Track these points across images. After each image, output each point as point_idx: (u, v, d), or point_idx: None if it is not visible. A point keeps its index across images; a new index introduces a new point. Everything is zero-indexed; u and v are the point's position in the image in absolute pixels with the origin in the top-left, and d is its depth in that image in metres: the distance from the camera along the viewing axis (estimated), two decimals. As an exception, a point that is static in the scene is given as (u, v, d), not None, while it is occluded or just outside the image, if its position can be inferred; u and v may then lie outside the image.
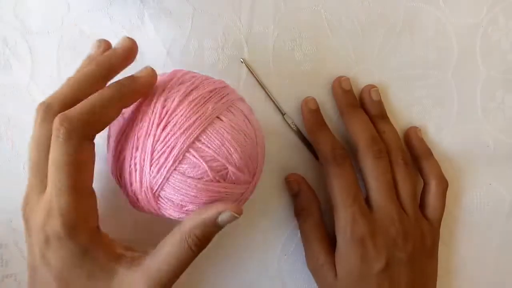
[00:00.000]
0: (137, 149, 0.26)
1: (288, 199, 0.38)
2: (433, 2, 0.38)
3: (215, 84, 0.29)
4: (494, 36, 0.39)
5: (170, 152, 0.26)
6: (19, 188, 0.36)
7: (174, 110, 0.27)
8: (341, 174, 0.34)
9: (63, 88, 0.27)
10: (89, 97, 0.26)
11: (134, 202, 0.28)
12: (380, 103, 0.37)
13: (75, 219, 0.25)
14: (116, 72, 0.29)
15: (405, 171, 0.36)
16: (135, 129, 0.27)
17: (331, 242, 0.36)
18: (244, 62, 0.37)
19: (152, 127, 0.26)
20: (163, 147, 0.26)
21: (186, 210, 0.28)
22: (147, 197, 0.27)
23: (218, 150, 0.27)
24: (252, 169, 0.29)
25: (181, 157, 0.26)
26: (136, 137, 0.27)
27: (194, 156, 0.26)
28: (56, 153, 0.25)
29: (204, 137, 0.27)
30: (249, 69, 0.37)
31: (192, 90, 0.28)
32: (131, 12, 0.36)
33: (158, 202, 0.28)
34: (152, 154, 0.26)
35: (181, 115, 0.26)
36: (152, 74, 0.28)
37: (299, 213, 0.37)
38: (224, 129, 0.27)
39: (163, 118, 0.26)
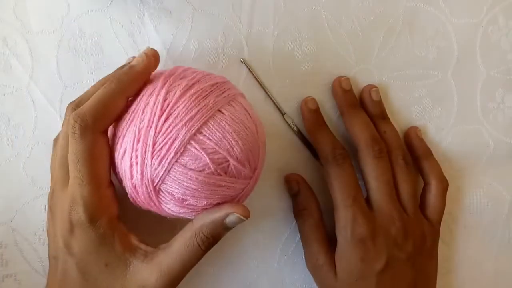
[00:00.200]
0: (138, 141, 0.27)
1: (288, 199, 0.38)
2: (433, 2, 0.38)
3: (217, 79, 0.29)
4: (494, 36, 0.39)
5: (172, 144, 0.26)
6: (19, 188, 0.36)
7: (176, 103, 0.27)
8: (341, 174, 0.34)
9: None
10: (95, 94, 0.28)
11: (134, 196, 0.28)
12: (380, 103, 0.37)
13: (96, 207, 0.28)
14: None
15: (406, 171, 0.36)
16: (137, 121, 0.27)
17: (330, 242, 0.36)
18: (244, 62, 0.37)
19: (154, 118, 0.27)
20: (164, 139, 0.26)
21: (187, 204, 0.28)
22: (147, 190, 0.27)
23: (220, 142, 0.27)
24: (253, 163, 0.29)
25: (182, 149, 0.26)
26: (137, 129, 0.27)
27: (196, 148, 0.26)
28: (74, 148, 0.27)
29: (206, 129, 0.27)
30: (249, 69, 0.37)
31: (193, 84, 0.28)
32: (131, 12, 0.36)
33: (159, 196, 0.28)
34: (153, 146, 0.26)
35: (183, 107, 0.27)
36: (146, 58, 0.29)
37: (298, 213, 0.37)
38: (226, 122, 0.27)
39: (165, 110, 0.27)
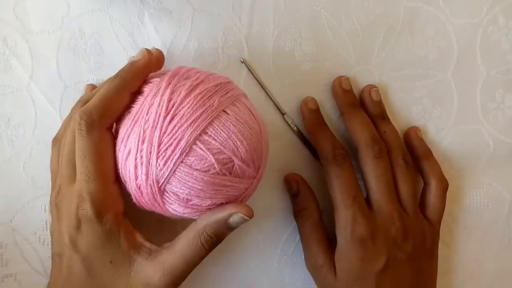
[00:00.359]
0: (143, 141, 0.27)
1: (288, 199, 0.38)
2: (433, 2, 0.38)
3: (220, 79, 0.29)
4: (494, 36, 0.39)
5: (177, 144, 0.26)
6: (19, 188, 0.36)
7: (181, 103, 0.27)
8: (341, 174, 0.35)
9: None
10: (99, 91, 0.28)
11: (138, 197, 0.28)
12: (380, 103, 0.37)
13: (103, 202, 0.28)
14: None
15: (406, 171, 0.36)
16: (141, 122, 0.27)
17: (330, 243, 0.36)
18: (244, 62, 0.37)
19: (159, 119, 0.27)
20: (170, 139, 0.26)
21: (191, 205, 0.28)
22: (152, 190, 0.27)
23: (225, 142, 0.27)
24: (257, 163, 0.29)
25: (188, 149, 0.26)
26: (142, 129, 0.27)
27: (201, 149, 0.27)
28: (80, 144, 0.28)
29: (211, 129, 0.27)
30: (249, 69, 0.37)
31: (198, 84, 0.28)
32: (131, 12, 0.36)
33: (164, 196, 0.28)
34: (159, 147, 0.26)
35: (188, 108, 0.27)
36: (148, 54, 0.30)
37: (298, 213, 0.37)
38: (230, 122, 0.28)
39: (170, 110, 0.27)
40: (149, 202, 0.28)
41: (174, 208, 0.28)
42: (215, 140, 0.27)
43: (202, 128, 0.27)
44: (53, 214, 0.31)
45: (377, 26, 0.38)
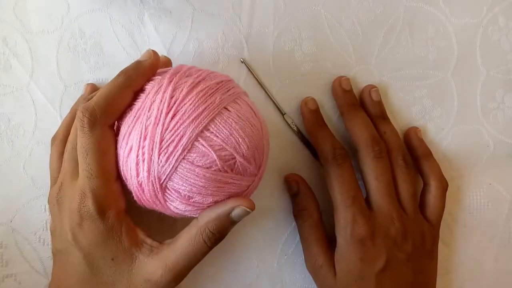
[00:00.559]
0: (145, 138, 0.27)
1: (288, 199, 0.38)
2: (433, 2, 0.38)
3: (221, 77, 0.30)
4: (494, 36, 0.39)
5: (179, 141, 0.26)
6: (19, 188, 0.37)
7: (183, 100, 0.27)
8: (341, 174, 0.35)
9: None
10: (102, 88, 0.28)
11: (139, 195, 0.29)
12: (380, 103, 0.38)
13: (105, 199, 0.28)
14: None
15: (406, 172, 0.36)
16: (143, 119, 0.27)
17: (330, 243, 0.36)
18: (244, 62, 0.37)
19: (160, 116, 0.27)
20: (172, 136, 0.26)
21: (193, 202, 0.28)
22: (154, 188, 0.27)
23: (227, 139, 0.27)
24: (258, 160, 0.29)
25: (190, 146, 0.27)
26: (144, 126, 0.27)
27: (203, 145, 0.27)
28: (82, 141, 0.28)
29: (213, 126, 0.27)
30: (249, 69, 0.37)
31: (199, 81, 0.28)
32: (131, 12, 0.37)
33: (165, 193, 0.28)
34: (160, 143, 0.26)
35: (190, 104, 0.27)
36: (154, 55, 0.30)
37: (298, 213, 0.37)
38: (232, 119, 0.28)
39: (172, 107, 0.27)
40: (150, 200, 0.28)
41: (176, 205, 0.28)
42: (217, 136, 0.27)
43: (204, 124, 0.27)
44: (54, 211, 0.31)
45: (377, 26, 0.38)
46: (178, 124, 0.27)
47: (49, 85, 0.37)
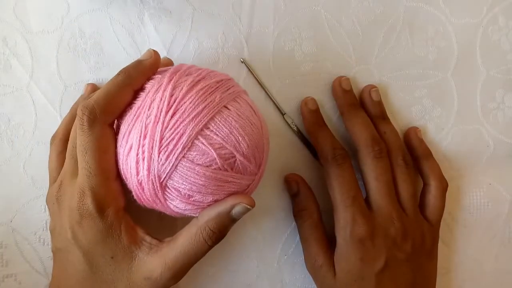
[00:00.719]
0: (145, 137, 0.27)
1: (288, 199, 0.38)
2: (433, 2, 0.39)
3: (221, 76, 0.30)
4: (494, 36, 0.39)
5: (179, 139, 0.27)
6: (19, 188, 0.37)
7: (183, 98, 0.27)
8: (341, 174, 0.35)
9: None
10: (103, 86, 0.28)
11: (139, 194, 0.29)
12: (380, 104, 0.38)
13: (104, 197, 0.28)
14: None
15: (405, 172, 0.36)
16: (143, 117, 0.27)
17: (329, 243, 0.36)
18: (244, 62, 0.37)
19: (160, 114, 0.27)
20: (172, 134, 0.27)
21: (193, 201, 0.28)
22: (154, 186, 0.27)
23: (227, 138, 0.27)
24: (258, 159, 0.29)
25: (190, 144, 0.27)
26: (144, 125, 0.27)
27: (203, 144, 0.27)
28: (82, 139, 0.28)
29: (213, 124, 0.27)
30: (249, 69, 0.37)
31: (199, 80, 0.29)
32: (131, 12, 0.37)
33: (165, 192, 0.28)
34: (160, 142, 0.27)
35: (190, 103, 0.27)
36: (154, 54, 0.30)
37: (298, 213, 0.37)
38: (232, 118, 0.28)
39: (172, 105, 0.27)
40: (150, 199, 0.28)
41: (176, 204, 0.28)
42: (217, 135, 0.27)
43: (204, 123, 0.27)
44: (53, 210, 0.31)
45: (377, 26, 0.38)
46: (178, 122, 0.27)
47: (49, 85, 0.37)
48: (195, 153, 0.27)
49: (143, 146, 0.27)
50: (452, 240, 0.40)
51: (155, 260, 0.29)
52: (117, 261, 0.29)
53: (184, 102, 0.27)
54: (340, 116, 0.38)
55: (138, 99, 0.29)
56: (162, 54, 0.37)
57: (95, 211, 0.28)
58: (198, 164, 0.27)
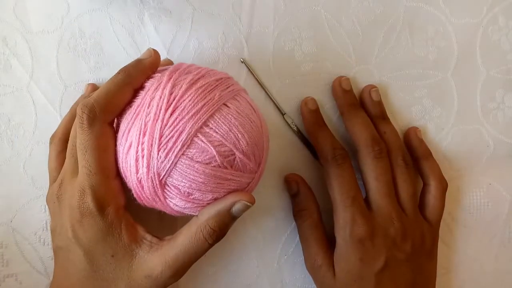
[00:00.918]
0: (144, 134, 0.27)
1: (288, 199, 0.39)
2: (433, 2, 0.39)
3: (221, 74, 0.30)
4: (494, 36, 0.39)
5: (179, 136, 0.27)
6: (19, 188, 0.37)
7: (182, 96, 0.28)
8: (341, 175, 0.35)
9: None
10: (102, 85, 0.29)
11: (139, 192, 0.29)
12: (380, 104, 0.38)
13: (104, 196, 0.29)
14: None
15: (405, 172, 0.37)
16: (143, 115, 0.28)
17: (329, 243, 0.36)
18: (244, 62, 0.37)
19: (160, 112, 0.27)
20: (171, 132, 0.27)
21: (193, 199, 0.28)
22: (153, 184, 0.28)
23: (226, 135, 0.28)
24: (258, 157, 0.30)
25: (189, 141, 0.27)
26: (143, 122, 0.27)
27: (202, 141, 0.27)
28: (81, 138, 0.28)
29: (212, 122, 0.28)
30: (249, 69, 0.37)
31: (199, 78, 0.29)
32: (131, 12, 0.37)
33: (165, 190, 0.28)
34: (160, 139, 0.27)
35: (189, 101, 0.27)
36: (154, 53, 0.30)
37: (298, 213, 0.37)
38: (232, 116, 0.28)
39: (171, 103, 0.27)
40: (150, 197, 0.29)
41: (175, 202, 0.29)
42: (216, 132, 0.27)
43: (203, 120, 0.27)
44: (54, 208, 0.31)
45: (377, 26, 0.39)
46: (178, 120, 0.27)
47: (49, 85, 0.37)
48: (194, 150, 0.27)
49: (142, 143, 0.27)
50: (452, 240, 0.40)
51: (155, 258, 0.29)
52: (118, 259, 0.29)
53: (184, 100, 0.27)
54: (340, 116, 0.39)
55: (137, 97, 0.29)
56: (162, 54, 0.37)
57: (95, 209, 0.28)
58: (197, 161, 0.27)
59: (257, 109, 0.31)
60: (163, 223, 0.35)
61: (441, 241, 0.39)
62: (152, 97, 0.28)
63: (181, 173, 0.27)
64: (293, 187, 0.37)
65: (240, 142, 0.28)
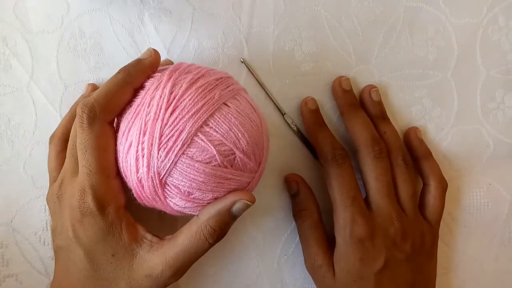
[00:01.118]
0: (144, 134, 0.27)
1: (288, 199, 0.39)
2: (433, 2, 0.39)
3: (221, 74, 0.30)
4: (494, 36, 0.40)
5: (179, 136, 0.27)
6: (19, 188, 0.37)
7: (182, 95, 0.28)
8: (341, 175, 0.35)
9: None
10: (102, 85, 0.29)
11: (139, 191, 0.29)
12: (380, 104, 0.38)
13: (105, 195, 0.29)
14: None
15: (405, 172, 0.37)
16: (143, 115, 0.28)
17: (329, 243, 0.37)
18: (244, 62, 0.38)
19: (160, 111, 0.27)
20: (171, 131, 0.27)
21: (193, 198, 0.29)
22: (153, 183, 0.28)
23: (226, 134, 0.28)
24: (258, 156, 0.30)
25: (189, 141, 0.27)
26: (143, 122, 0.28)
27: (203, 140, 0.27)
28: (81, 138, 0.28)
29: (212, 121, 0.28)
30: (249, 69, 0.38)
31: (199, 78, 0.29)
32: (131, 12, 0.37)
33: (165, 189, 0.28)
34: (160, 138, 0.27)
35: (189, 100, 0.28)
36: (154, 53, 0.31)
37: (297, 213, 0.38)
38: (232, 115, 0.28)
39: (171, 102, 0.28)
40: (150, 196, 0.29)
41: (175, 202, 0.29)
42: (217, 131, 0.28)
43: (203, 119, 0.27)
44: (54, 208, 0.31)
45: (377, 26, 0.39)
46: (178, 119, 0.27)
47: (49, 85, 0.37)
48: (194, 149, 0.27)
49: (142, 143, 0.27)
50: (452, 240, 0.41)
51: (156, 257, 0.29)
52: (118, 259, 0.29)
53: (184, 99, 0.28)
54: (340, 116, 0.39)
55: (137, 97, 0.29)
56: (162, 54, 0.37)
57: (95, 209, 0.28)
58: (197, 160, 0.27)
59: (257, 108, 0.31)
60: (163, 223, 0.35)
61: (441, 241, 0.39)
62: (152, 96, 0.28)
63: (181, 172, 0.27)
64: (293, 187, 0.38)
65: (240, 141, 0.28)
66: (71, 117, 0.34)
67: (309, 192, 0.38)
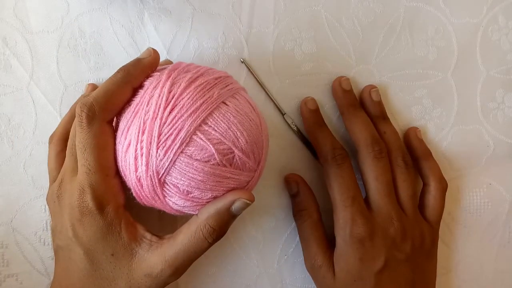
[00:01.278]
0: (143, 132, 0.27)
1: (288, 199, 0.39)
2: (433, 2, 0.39)
3: (220, 73, 0.31)
4: (494, 36, 0.40)
5: (177, 134, 0.27)
6: (19, 188, 0.37)
7: (181, 94, 0.28)
8: (341, 175, 0.36)
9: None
10: (102, 84, 0.29)
11: (138, 191, 0.29)
12: (380, 104, 0.38)
13: (104, 194, 0.29)
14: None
15: (405, 172, 0.37)
16: (142, 114, 0.28)
17: (329, 243, 0.37)
18: (244, 62, 0.38)
19: (159, 110, 0.27)
20: (170, 130, 0.27)
21: (192, 197, 0.29)
22: (152, 182, 0.28)
23: (225, 133, 0.28)
24: (257, 155, 0.30)
25: (188, 139, 0.27)
26: (142, 121, 0.28)
27: (201, 139, 0.27)
28: (80, 137, 0.29)
29: (211, 120, 0.28)
30: (249, 69, 0.38)
31: (198, 77, 0.29)
32: (131, 12, 0.37)
33: (164, 188, 0.28)
34: (159, 137, 0.27)
35: (188, 98, 0.28)
36: (153, 53, 0.31)
37: (297, 213, 0.38)
38: (230, 113, 0.28)
39: (170, 101, 0.28)
40: (149, 196, 0.29)
41: (174, 201, 0.29)
42: (215, 130, 0.28)
43: (202, 118, 0.27)
44: (54, 208, 0.31)
45: (377, 26, 0.39)
46: (176, 118, 0.27)
47: (49, 85, 0.37)
48: (193, 148, 0.27)
49: (141, 142, 0.27)
50: (452, 240, 0.41)
51: (155, 257, 0.29)
52: (118, 258, 0.29)
53: (182, 98, 0.28)
54: (340, 116, 0.39)
55: (137, 96, 0.29)
56: (162, 54, 0.37)
57: (95, 208, 0.29)
58: (196, 159, 0.27)
59: (256, 107, 0.31)
60: (162, 222, 0.36)
61: (441, 241, 0.39)
62: (151, 95, 0.28)
63: (180, 171, 0.27)
64: (293, 187, 0.38)
65: (239, 140, 0.28)
66: (71, 117, 0.35)
67: (309, 192, 0.38)
